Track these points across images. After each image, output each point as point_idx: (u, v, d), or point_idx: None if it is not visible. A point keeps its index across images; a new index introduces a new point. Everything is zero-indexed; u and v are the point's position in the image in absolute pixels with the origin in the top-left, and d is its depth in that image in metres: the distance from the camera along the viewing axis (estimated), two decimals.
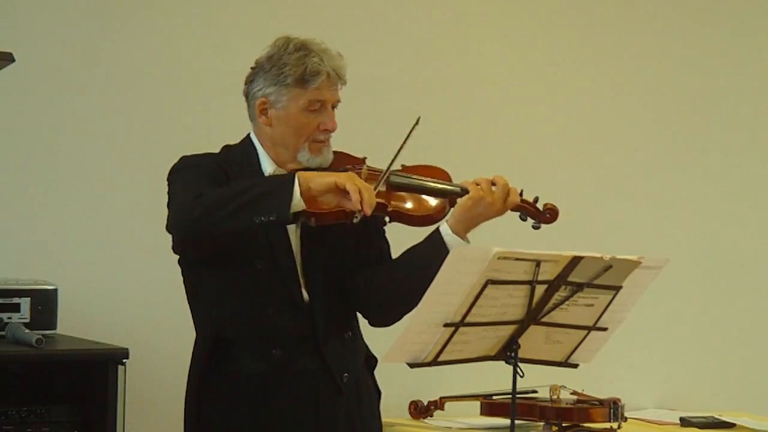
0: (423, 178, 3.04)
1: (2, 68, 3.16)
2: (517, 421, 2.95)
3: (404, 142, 3.00)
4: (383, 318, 3.10)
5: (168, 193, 3.05)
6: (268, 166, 3.06)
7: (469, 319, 2.67)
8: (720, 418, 4.29)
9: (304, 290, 3.03)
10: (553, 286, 2.70)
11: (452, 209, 3.00)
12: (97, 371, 3.26)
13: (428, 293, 2.61)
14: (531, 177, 4.54)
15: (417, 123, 3.01)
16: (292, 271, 3.02)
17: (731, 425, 4.25)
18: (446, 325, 2.66)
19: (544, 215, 3.09)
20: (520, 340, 2.77)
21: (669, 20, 4.86)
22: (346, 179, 2.84)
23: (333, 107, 3.05)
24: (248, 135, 3.12)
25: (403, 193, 3.02)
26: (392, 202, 3.00)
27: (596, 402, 3.94)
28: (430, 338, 2.67)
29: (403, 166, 3.06)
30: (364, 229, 2.98)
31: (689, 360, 4.83)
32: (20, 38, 3.86)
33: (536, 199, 3.09)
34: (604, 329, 2.86)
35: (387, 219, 3.04)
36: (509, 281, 2.65)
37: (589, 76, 4.73)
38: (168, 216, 2.96)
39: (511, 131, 4.58)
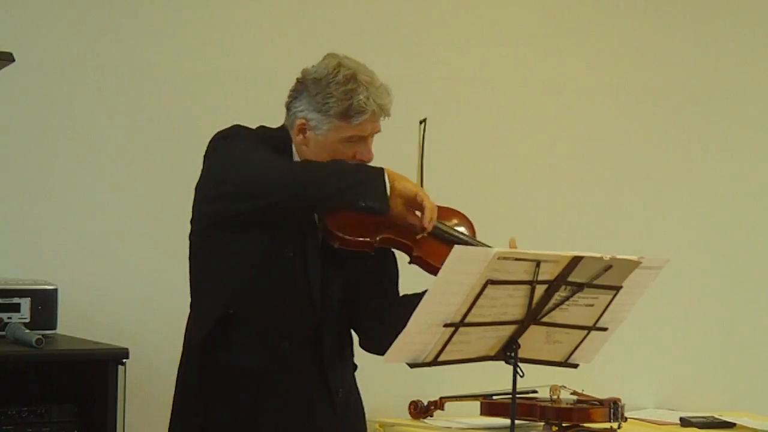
0: (453, 231, 3.00)
1: (2, 68, 3.16)
2: (517, 421, 2.95)
3: (422, 154, 2.99)
4: (381, 352, 3.08)
5: (216, 155, 2.99)
6: None
7: (469, 319, 2.66)
8: (720, 418, 4.29)
9: (320, 294, 3.02)
10: (553, 286, 2.70)
11: None
12: (97, 371, 3.26)
13: (428, 293, 2.61)
14: (531, 177, 4.58)
15: (424, 124, 2.99)
16: (318, 270, 3.00)
17: (731, 425, 4.25)
18: (446, 325, 2.66)
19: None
20: (520, 340, 2.77)
21: (669, 20, 4.86)
22: (425, 195, 2.84)
23: (371, 135, 3.03)
24: (284, 127, 3.08)
25: (430, 239, 2.97)
26: (417, 250, 2.96)
27: (596, 402, 3.94)
28: (430, 338, 2.67)
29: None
30: (383, 259, 3.00)
31: (689, 360, 4.83)
32: (20, 38, 3.86)
33: None
34: (604, 329, 2.86)
35: (408, 260, 3.01)
36: (509, 281, 2.65)
37: (589, 76, 4.73)
38: (235, 170, 2.89)
39: (511, 131, 4.58)
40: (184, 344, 3.12)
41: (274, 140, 3.03)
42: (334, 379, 3.05)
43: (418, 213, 2.89)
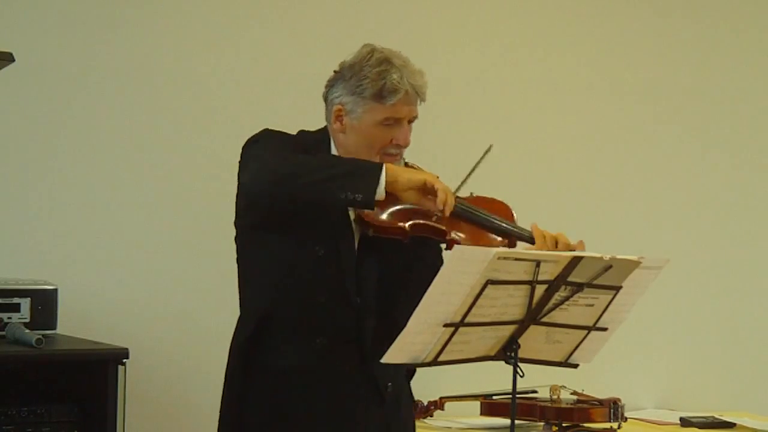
0: (489, 215, 3.01)
1: (2, 68, 3.16)
2: (517, 421, 2.95)
3: (473, 169, 2.99)
4: None
5: (246, 156, 3.00)
6: None
7: (469, 319, 2.66)
8: (720, 418, 4.30)
9: (356, 290, 3.02)
10: (553, 286, 2.70)
11: None
12: (97, 371, 3.26)
13: (428, 293, 2.61)
14: (531, 177, 4.58)
15: (488, 151, 2.99)
16: (350, 267, 3.00)
17: (731, 425, 4.26)
18: (446, 325, 2.66)
19: None
20: (520, 340, 2.77)
21: (669, 20, 4.86)
22: (435, 179, 2.84)
23: (409, 122, 3.03)
24: (326, 127, 3.10)
25: (465, 225, 2.99)
26: (452, 231, 2.97)
27: (596, 402, 3.95)
28: (430, 338, 2.67)
29: (471, 194, 3.04)
30: (421, 248, 2.98)
31: (689, 360, 4.83)
32: (20, 38, 3.86)
33: None
34: (604, 329, 2.85)
35: (443, 246, 3.02)
36: (509, 281, 2.65)
37: (589, 76, 4.73)
38: (246, 173, 2.91)
39: (511, 131, 4.58)
40: (230, 345, 3.11)
41: (308, 142, 3.05)
42: (381, 373, 3.02)
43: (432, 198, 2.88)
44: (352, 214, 3.00)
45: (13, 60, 3.09)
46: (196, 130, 4.14)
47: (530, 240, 2.99)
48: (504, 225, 3.01)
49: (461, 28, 4.55)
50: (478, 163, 3.01)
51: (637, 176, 4.79)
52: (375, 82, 2.97)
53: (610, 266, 2.72)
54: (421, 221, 2.96)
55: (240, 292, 3.11)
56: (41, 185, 3.94)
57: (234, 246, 3.10)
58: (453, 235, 2.97)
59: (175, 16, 4.11)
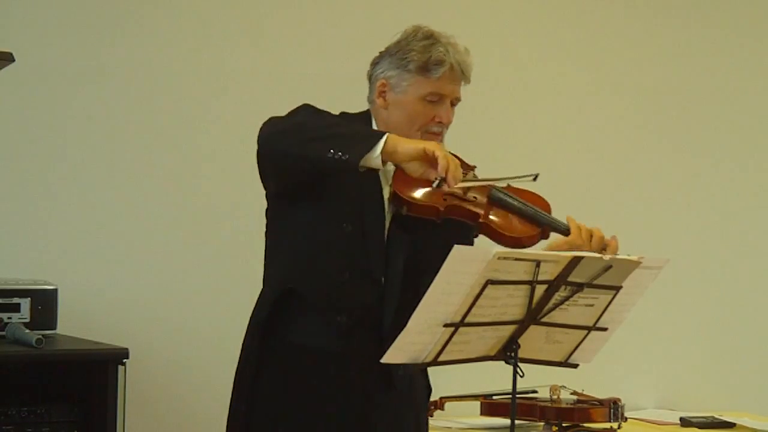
0: (525, 202, 3.00)
1: (2, 68, 3.16)
2: (517, 421, 2.95)
3: (513, 178, 2.97)
4: None
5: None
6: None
7: (469, 319, 2.66)
8: (720, 418, 4.30)
9: (382, 270, 2.99)
10: (553, 286, 2.70)
11: (546, 245, 2.98)
12: (97, 371, 3.27)
13: (428, 293, 2.61)
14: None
15: (534, 179, 2.95)
16: (378, 246, 2.98)
17: (731, 425, 4.26)
18: (446, 325, 2.66)
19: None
20: (520, 340, 2.76)
21: (669, 20, 4.86)
22: (436, 146, 2.78)
23: (452, 104, 3.02)
24: (368, 110, 3.09)
25: (499, 209, 2.97)
26: (487, 216, 2.95)
27: (596, 402, 3.95)
28: (430, 338, 2.66)
29: (509, 184, 3.01)
30: (454, 234, 2.93)
31: (689, 360, 4.83)
32: (20, 38, 3.86)
33: None
34: (604, 329, 2.85)
35: (476, 230, 2.99)
36: (509, 281, 2.65)
37: (589, 76, 4.73)
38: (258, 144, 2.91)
39: (511, 131, 4.58)
40: (249, 321, 3.07)
41: (347, 119, 3.02)
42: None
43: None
44: (386, 192, 2.98)
45: (13, 60, 3.09)
46: (197, 130, 4.14)
47: (566, 231, 2.98)
48: (540, 214, 3.01)
49: (462, 28, 4.54)
50: (518, 177, 2.97)
51: (637, 176, 4.79)
52: (420, 54, 2.97)
53: (610, 266, 2.72)
54: (457, 203, 2.93)
55: (264, 269, 3.08)
56: (41, 185, 3.94)
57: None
58: (488, 218, 2.95)
59: (175, 16, 4.11)
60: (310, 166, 2.84)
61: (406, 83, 2.99)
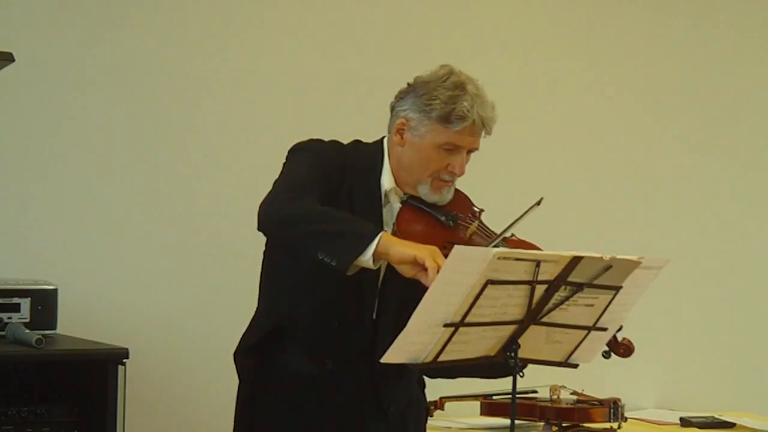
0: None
1: (2, 68, 3.16)
2: (517, 421, 2.95)
3: (521, 217, 2.95)
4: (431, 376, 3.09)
5: (282, 166, 2.99)
6: (386, 181, 3.01)
7: (469, 319, 2.66)
8: (720, 418, 4.30)
9: (375, 309, 2.99)
10: (553, 286, 2.70)
11: None
12: (97, 371, 3.26)
13: (428, 293, 2.61)
14: (531, 177, 4.57)
15: (538, 204, 2.95)
16: (372, 290, 2.98)
17: (731, 425, 4.26)
18: (446, 325, 2.65)
19: (619, 348, 3.07)
20: (520, 340, 2.76)
21: (669, 20, 4.86)
22: (427, 255, 2.74)
23: (469, 152, 3.00)
24: (382, 139, 3.08)
25: None
26: None
27: (596, 402, 3.94)
28: (430, 338, 2.66)
29: (513, 235, 2.99)
30: None
31: (689, 360, 4.83)
32: (20, 38, 3.86)
33: (619, 328, 3.04)
34: (604, 329, 2.85)
35: None
36: (509, 281, 2.64)
37: (589, 76, 4.73)
38: (264, 200, 2.89)
39: (511, 131, 4.57)
40: (241, 339, 3.10)
41: (360, 154, 3.02)
42: (388, 396, 3.02)
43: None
44: (390, 230, 2.97)
45: (13, 60, 3.09)
46: (197, 130, 4.14)
47: None
48: None
49: (459, 28, 4.55)
50: (524, 214, 2.95)
51: (637, 176, 4.79)
52: (445, 104, 2.93)
53: (610, 266, 2.72)
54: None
55: (259, 292, 3.09)
56: (41, 185, 3.94)
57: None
58: None
59: (175, 16, 4.11)
60: (303, 256, 2.86)
61: (425, 129, 2.96)
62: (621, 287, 2.78)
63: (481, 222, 3.04)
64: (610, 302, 2.79)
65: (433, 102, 2.94)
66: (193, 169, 4.12)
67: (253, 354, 3.03)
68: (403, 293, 2.95)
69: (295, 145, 3.03)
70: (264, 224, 2.86)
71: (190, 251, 4.08)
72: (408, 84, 3.03)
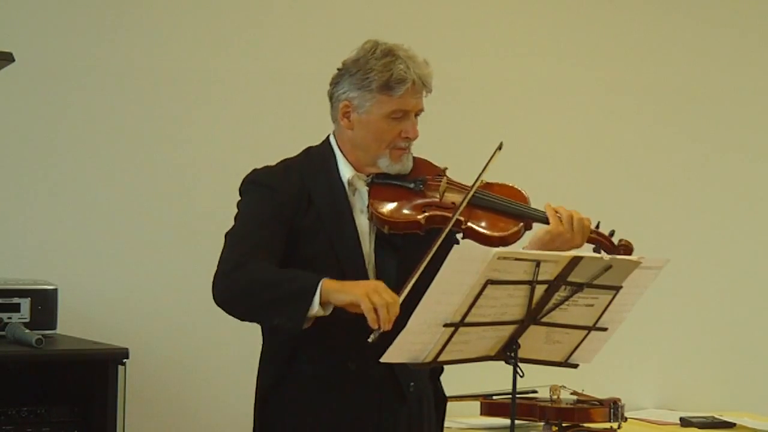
0: (503, 199, 3.02)
1: (2, 68, 3.16)
2: (517, 421, 2.95)
3: (485, 168, 2.97)
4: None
5: (237, 205, 3.05)
6: (346, 171, 3.03)
7: (469, 319, 2.66)
8: (720, 418, 4.30)
9: None
10: (553, 286, 2.70)
11: (531, 238, 3.00)
12: (97, 371, 3.26)
13: (428, 293, 2.61)
14: (531, 176, 4.56)
15: (499, 148, 2.98)
16: (363, 274, 2.98)
17: (731, 425, 4.26)
18: (446, 325, 2.66)
19: (619, 251, 3.08)
20: (520, 340, 2.77)
21: (668, 20, 4.86)
22: (363, 297, 2.75)
23: (416, 115, 3.03)
24: (327, 137, 3.10)
25: (480, 212, 2.99)
26: (468, 220, 2.97)
27: (596, 402, 3.95)
28: (430, 338, 2.66)
29: (482, 180, 3.02)
30: (437, 243, 2.92)
31: (689, 360, 4.83)
32: (20, 38, 3.86)
33: (612, 233, 3.10)
34: (604, 329, 2.86)
35: (460, 235, 3.01)
36: (509, 281, 2.65)
37: (588, 75, 4.73)
38: (216, 273, 2.98)
39: (511, 131, 4.57)
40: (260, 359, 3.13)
41: (309, 170, 3.03)
42: (403, 373, 3.00)
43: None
44: (366, 214, 3.00)
45: (13, 60, 3.09)
46: (197, 129, 4.14)
47: (545, 221, 3.01)
48: (519, 208, 3.02)
49: (459, 28, 4.55)
50: (490, 160, 2.98)
51: (637, 176, 4.79)
52: (381, 73, 2.96)
53: (610, 266, 2.72)
54: (437, 212, 2.96)
55: (263, 336, 3.13)
56: (41, 185, 3.94)
57: None
58: (469, 223, 2.97)
59: (175, 17, 4.11)
60: (263, 324, 3.00)
61: (369, 103, 2.99)
62: (621, 287, 2.78)
63: (448, 178, 3.06)
64: (610, 302, 2.80)
65: (370, 74, 2.97)
66: (193, 169, 4.12)
67: (265, 362, 3.07)
68: (399, 268, 2.95)
69: (242, 184, 3.06)
70: (219, 304, 2.96)
71: (190, 251, 4.08)
72: (338, 69, 3.06)
